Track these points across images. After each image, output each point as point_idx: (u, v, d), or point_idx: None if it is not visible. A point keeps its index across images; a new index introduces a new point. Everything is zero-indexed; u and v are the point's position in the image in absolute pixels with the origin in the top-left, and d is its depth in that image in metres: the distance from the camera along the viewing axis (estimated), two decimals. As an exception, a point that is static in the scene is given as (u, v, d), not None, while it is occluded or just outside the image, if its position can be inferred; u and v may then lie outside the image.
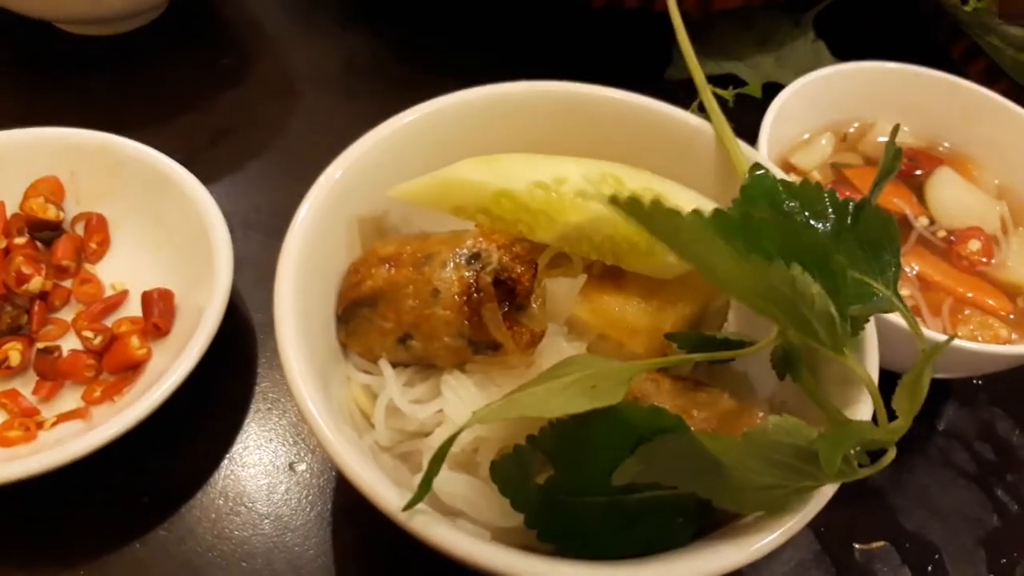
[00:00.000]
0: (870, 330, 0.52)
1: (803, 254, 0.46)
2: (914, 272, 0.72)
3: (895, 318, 0.62)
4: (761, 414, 0.49)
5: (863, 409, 0.49)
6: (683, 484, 0.44)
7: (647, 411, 0.44)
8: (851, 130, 0.82)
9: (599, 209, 0.55)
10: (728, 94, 0.65)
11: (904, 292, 0.70)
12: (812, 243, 0.47)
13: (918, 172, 0.80)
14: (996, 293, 0.71)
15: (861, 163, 0.80)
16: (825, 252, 0.45)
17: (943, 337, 0.61)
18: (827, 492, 0.46)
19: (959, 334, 0.68)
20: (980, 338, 0.68)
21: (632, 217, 0.47)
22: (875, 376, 0.50)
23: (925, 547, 0.67)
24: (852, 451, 0.43)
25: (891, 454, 0.44)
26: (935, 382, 0.73)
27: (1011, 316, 0.70)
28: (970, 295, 0.71)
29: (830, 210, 0.52)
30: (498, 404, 0.45)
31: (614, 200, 0.46)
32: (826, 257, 0.45)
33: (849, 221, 0.52)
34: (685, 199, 0.59)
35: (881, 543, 0.67)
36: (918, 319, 0.68)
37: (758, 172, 0.55)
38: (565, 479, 0.45)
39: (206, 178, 0.71)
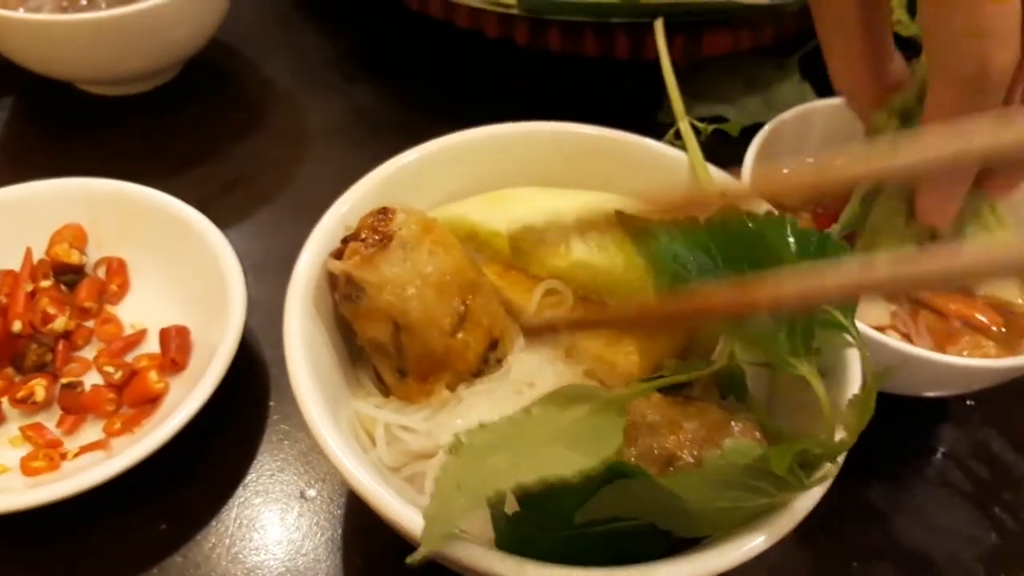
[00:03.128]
0: (851, 353, 0.55)
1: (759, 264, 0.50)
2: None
3: (888, 339, 0.64)
4: (748, 423, 0.52)
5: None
6: (643, 517, 0.46)
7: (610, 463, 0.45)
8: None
9: (579, 258, 0.60)
10: (704, 127, 0.69)
11: (892, 308, 0.73)
12: (778, 258, 0.50)
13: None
14: (985, 308, 0.74)
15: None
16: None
17: (932, 355, 0.64)
18: (798, 509, 0.47)
19: (948, 352, 0.70)
20: (967, 355, 0.70)
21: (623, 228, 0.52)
22: (849, 393, 0.53)
23: (924, 564, 0.68)
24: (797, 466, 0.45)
25: (833, 469, 0.47)
26: (930, 403, 0.76)
27: (1002, 329, 0.73)
28: (953, 307, 0.73)
29: (791, 240, 0.54)
30: (491, 467, 0.45)
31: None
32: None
33: (812, 250, 0.55)
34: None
35: (880, 561, 0.68)
36: (905, 340, 0.70)
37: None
38: (530, 515, 0.47)
39: (220, 223, 0.75)
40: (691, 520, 0.46)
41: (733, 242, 0.52)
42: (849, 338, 0.52)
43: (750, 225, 0.54)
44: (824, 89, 1.03)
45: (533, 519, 0.47)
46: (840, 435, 0.48)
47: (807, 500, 0.48)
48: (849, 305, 0.53)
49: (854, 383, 0.54)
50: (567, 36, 0.94)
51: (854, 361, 0.54)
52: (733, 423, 0.52)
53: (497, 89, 1.07)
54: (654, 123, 1.01)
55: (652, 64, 0.93)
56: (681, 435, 0.51)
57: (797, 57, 1.04)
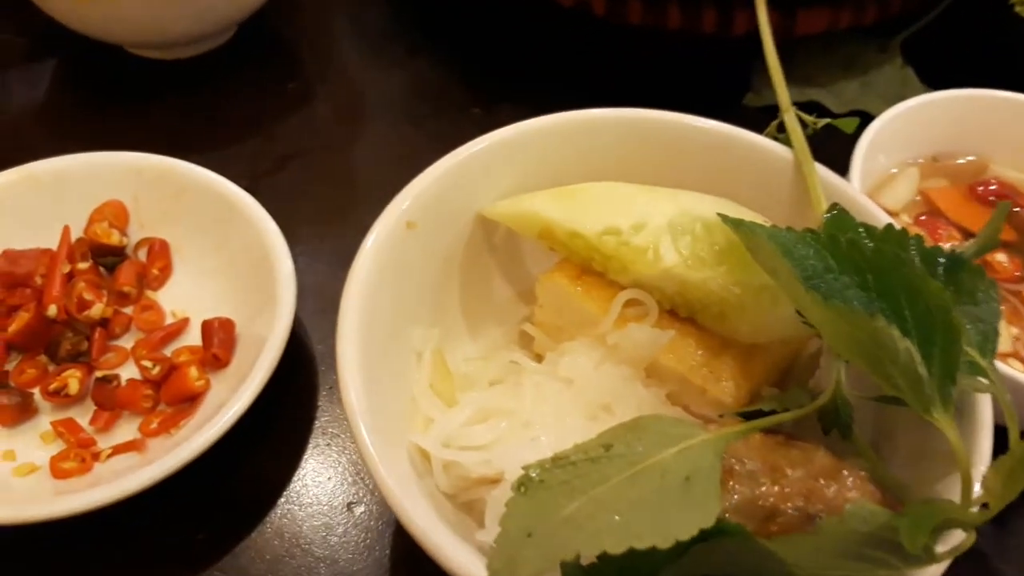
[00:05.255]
0: (982, 397, 0.47)
1: (907, 294, 0.43)
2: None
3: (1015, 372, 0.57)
4: (863, 473, 0.45)
5: (947, 487, 0.45)
6: None
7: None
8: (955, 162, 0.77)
9: (670, 268, 0.53)
10: (813, 121, 0.61)
11: (1014, 332, 0.65)
12: (920, 286, 0.42)
13: (1016, 209, 0.74)
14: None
15: (946, 184, 0.75)
16: (944, 304, 0.40)
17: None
18: None
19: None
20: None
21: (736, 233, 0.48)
22: (984, 448, 0.46)
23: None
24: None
25: (969, 539, 0.40)
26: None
27: None
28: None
29: (916, 260, 0.47)
30: (567, 519, 0.39)
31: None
32: (944, 310, 0.40)
33: (940, 273, 0.47)
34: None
35: (982, 613, 0.61)
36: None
37: (834, 212, 0.51)
38: (609, 570, 0.40)
39: (270, 204, 0.70)
40: None
41: (854, 256, 0.45)
42: (986, 381, 0.45)
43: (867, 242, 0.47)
44: (928, 75, 0.95)
45: (611, 572, 0.41)
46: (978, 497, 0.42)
47: (932, 572, 0.41)
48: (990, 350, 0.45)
49: (983, 433, 0.47)
50: (649, 7, 0.86)
51: (985, 407, 0.47)
52: (844, 472, 0.45)
53: (566, 65, 1.00)
54: (737, 106, 0.94)
55: (737, 42, 0.85)
56: (785, 485, 0.44)
57: (900, 39, 0.94)
